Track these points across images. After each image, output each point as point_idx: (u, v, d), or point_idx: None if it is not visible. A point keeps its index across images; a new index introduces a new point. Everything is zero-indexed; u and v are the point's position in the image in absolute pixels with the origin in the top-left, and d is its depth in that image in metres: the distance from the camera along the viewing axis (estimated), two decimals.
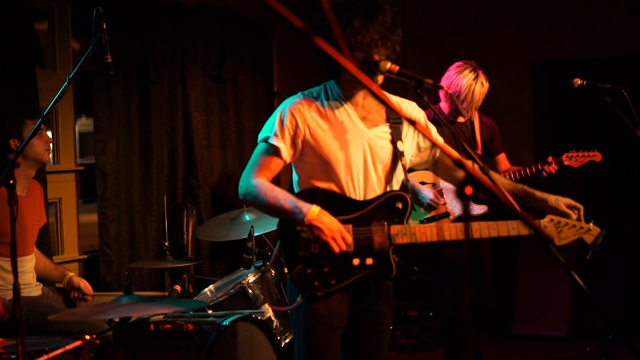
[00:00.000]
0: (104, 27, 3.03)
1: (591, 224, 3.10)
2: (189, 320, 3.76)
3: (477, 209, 4.62)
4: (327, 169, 2.91)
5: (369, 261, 2.91)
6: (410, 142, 3.05)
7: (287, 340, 4.10)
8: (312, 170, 2.94)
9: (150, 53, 5.64)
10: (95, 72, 5.27)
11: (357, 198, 2.93)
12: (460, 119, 4.73)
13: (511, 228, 2.94)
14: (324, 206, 2.82)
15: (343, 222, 2.86)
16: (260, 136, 2.96)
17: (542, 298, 6.00)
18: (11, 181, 2.69)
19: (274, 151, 2.91)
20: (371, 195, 2.95)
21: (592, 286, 2.33)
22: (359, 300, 3.02)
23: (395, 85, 3.21)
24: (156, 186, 5.72)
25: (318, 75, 3.00)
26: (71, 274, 4.28)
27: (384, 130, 2.97)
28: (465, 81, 4.48)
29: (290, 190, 3.00)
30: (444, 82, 4.59)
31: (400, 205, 2.93)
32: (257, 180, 2.89)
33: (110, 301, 3.46)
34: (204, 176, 6.14)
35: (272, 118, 2.96)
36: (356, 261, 2.90)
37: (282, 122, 2.90)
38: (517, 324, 6.03)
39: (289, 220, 2.86)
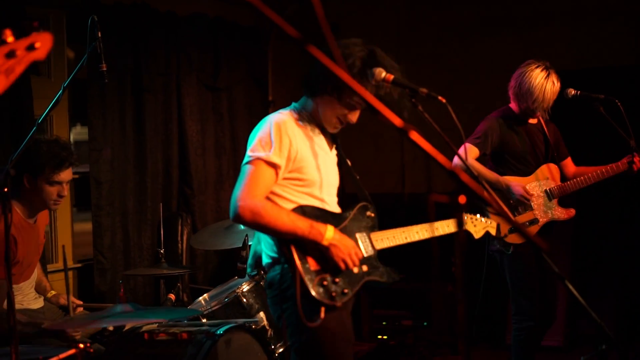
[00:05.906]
0: (99, 35, 3.04)
1: (489, 219, 3.70)
2: (183, 329, 3.75)
3: (566, 213, 4.59)
4: (309, 186, 3.00)
5: (365, 268, 3.08)
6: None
7: (280, 350, 4.09)
8: (291, 190, 2.99)
9: (145, 62, 5.64)
10: (90, 80, 5.27)
11: (335, 212, 3.11)
12: (532, 121, 4.58)
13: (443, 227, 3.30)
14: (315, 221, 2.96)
15: None
16: (254, 153, 2.89)
17: None
18: (6, 189, 2.68)
19: (274, 168, 2.90)
20: (339, 208, 3.15)
21: (585, 295, 2.35)
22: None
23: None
24: (151, 195, 5.72)
25: None
26: (53, 292, 4.21)
27: (334, 152, 3.20)
28: (537, 80, 4.38)
29: None
30: (514, 80, 4.49)
31: (371, 214, 3.16)
32: (264, 200, 2.88)
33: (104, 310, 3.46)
34: (199, 185, 6.14)
35: (264, 134, 2.92)
36: (356, 270, 3.04)
37: (280, 139, 2.89)
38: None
39: (302, 239, 2.90)
